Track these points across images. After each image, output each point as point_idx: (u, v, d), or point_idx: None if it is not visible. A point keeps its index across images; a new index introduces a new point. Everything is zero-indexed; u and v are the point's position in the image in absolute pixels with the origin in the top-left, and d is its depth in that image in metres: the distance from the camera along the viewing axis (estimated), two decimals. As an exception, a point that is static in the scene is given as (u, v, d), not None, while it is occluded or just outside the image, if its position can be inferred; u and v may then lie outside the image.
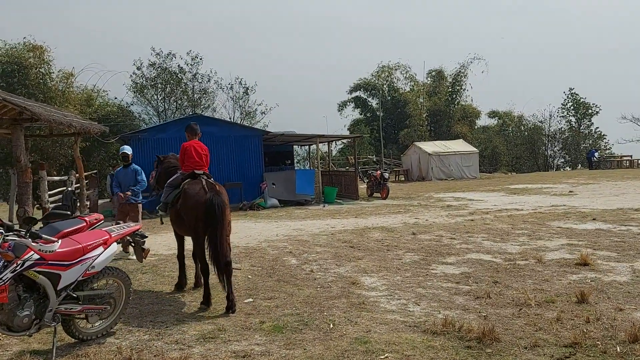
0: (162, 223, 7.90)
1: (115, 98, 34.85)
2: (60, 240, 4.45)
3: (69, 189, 11.66)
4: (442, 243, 9.64)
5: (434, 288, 6.60)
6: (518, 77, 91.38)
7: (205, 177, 6.48)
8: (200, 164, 6.73)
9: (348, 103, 50.26)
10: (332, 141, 25.46)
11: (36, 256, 4.16)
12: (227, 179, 18.50)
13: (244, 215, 15.97)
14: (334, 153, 31.41)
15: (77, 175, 12.34)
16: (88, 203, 18.35)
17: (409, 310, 5.70)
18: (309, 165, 35.34)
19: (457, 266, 7.80)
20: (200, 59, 35.82)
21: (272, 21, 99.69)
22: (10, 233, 4.06)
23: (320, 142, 21.97)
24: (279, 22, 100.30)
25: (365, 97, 50.08)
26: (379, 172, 20.95)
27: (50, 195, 12.12)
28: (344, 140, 42.30)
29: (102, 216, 6.37)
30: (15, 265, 3.98)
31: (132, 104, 35.48)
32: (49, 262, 4.26)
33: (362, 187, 23.21)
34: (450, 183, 30.06)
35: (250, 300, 6.29)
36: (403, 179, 35.01)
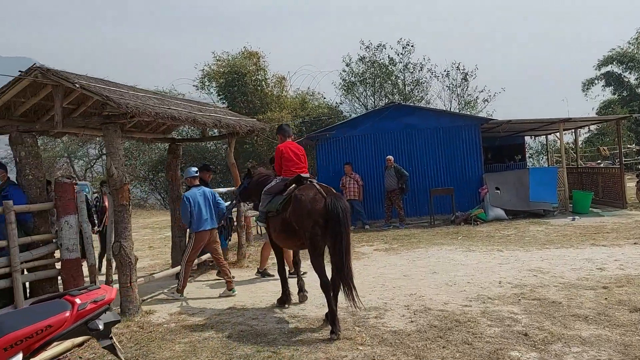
0: (260, 234, 7.13)
1: (325, 98, 33.69)
2: None
3: (226, 203, 9.28)
4: None
5: None
6: None
7: (316, 181, 5.84)
8: (301, 165, 6.14)
9: (596, 81, 40.64)
10: (581, 127, 19.15)
11: None
12: (433, 183, 14.44)
13: (454, 233, 11.73)
14: (579, 144, 24.29)
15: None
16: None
17: None
18: (546, 161, 28.74)
19: None
20: (412, 46, 32.16)
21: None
22: None
23: (564, 130, 16.22)
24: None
25: (619, 72, 39.86)
26: (659, 167, 14.33)
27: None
28: (592, 128, 33.88)
29: (112, 292, 3.14)
30: None
31: (341, 103, 33.85)
32: None
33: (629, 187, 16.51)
34: None
35: None
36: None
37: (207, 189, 7.66)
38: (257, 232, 11.91)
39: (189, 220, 7.36)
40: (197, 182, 7.63)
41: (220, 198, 7.75)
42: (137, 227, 18.90)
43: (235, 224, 9.71)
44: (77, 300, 3.00)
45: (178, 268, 7.56)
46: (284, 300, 6.41)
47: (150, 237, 15.81)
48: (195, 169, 7.80)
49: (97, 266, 7.01)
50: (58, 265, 6.23)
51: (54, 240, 6.16)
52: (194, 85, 33.06)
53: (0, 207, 5.41)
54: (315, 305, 6.36)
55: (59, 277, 6.19)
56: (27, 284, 6.19)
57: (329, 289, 5.27)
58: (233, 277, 7.80)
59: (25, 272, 5.98)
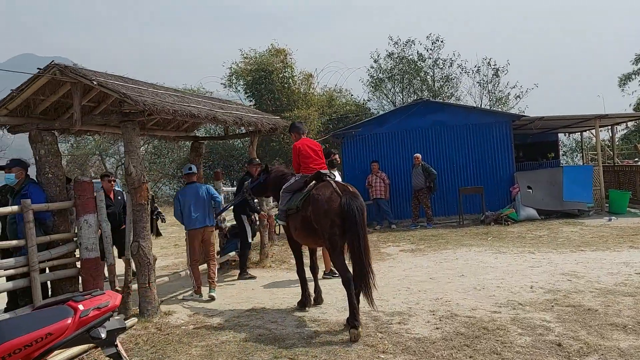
0: (277, 234, 6.95)
1: (352, 95, 33.32)
2: None
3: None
4: None
5: None
6: None
7: (334, 178, 5.82)
8: (320, 162, 6.04)
9: (633, 76, 39.18)
10: (618, 124, 18.39)
11: None
12: (462, 181, 14.04)
13: (484, 233, 11.34)
14: (615, 141, 23.19)
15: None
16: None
17: None
18: (580, 159, 27.83)
19: None
20: (442, 41, 31.52)
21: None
22: None
23: (600, 127, 15.58)
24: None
25: (659, 66, 38.31)
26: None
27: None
28: (630, 124, 32.57)
29: (117, 299, 3.01)
30: None
31: (368, 100, 33.46)
32: None
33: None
34: None
35: None
36: None
37: (202, 186, 7.54)
38: (276, 232, 11.66)
39: (181, 219, 7.38)
40: (193, 179, 7.53)
41: (217, 193, 7.62)
42: (164, 224, 18.99)
43: (257, 223, 9.57)
44: (80, 307, 2.88)
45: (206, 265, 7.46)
46: (304, 302, 6.28)
47: (177, 234, 15.82)
48: (191, 165, 7.71)
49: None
50: (79, 265, 6.20)
51: (74, 239, 6.13)
52: (221, 83, 33.15)
53: (19, 206, 5.37)
54: (337, 308, 6.15)
55: (80, 277, 6.15)
56: (49, 283, 6.17)
57: (351, 285, 5.21)
58: (252, 275, 7.70)
59: (47, 271, 5.96)
